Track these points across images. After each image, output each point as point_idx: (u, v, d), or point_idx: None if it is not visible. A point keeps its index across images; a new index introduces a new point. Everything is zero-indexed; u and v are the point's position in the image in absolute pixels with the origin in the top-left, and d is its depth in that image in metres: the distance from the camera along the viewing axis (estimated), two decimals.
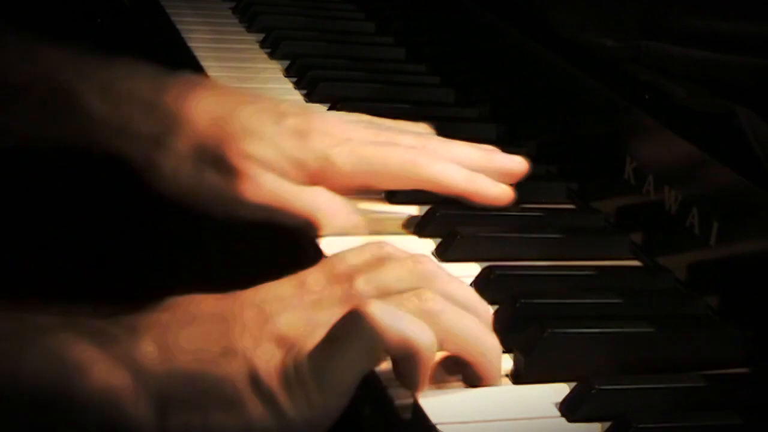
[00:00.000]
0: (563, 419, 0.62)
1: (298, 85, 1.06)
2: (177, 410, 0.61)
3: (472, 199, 0.82)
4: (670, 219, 0.78)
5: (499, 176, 0.84)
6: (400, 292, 0.64)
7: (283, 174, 0.80)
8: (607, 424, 0.61)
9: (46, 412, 0.60)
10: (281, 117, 0.83)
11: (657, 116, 0.81)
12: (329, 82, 1.04)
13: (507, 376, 0.66)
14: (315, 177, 0.81)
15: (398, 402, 0.63)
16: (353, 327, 0.61)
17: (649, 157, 0.81)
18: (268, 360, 0.61)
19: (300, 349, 0.61)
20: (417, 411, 0.62)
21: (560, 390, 0.64)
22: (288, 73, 1.09)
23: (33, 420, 0.61)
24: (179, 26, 1.18)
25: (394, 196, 0.86)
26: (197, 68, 1.07)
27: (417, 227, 0.82)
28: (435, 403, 0.62)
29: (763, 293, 0.70)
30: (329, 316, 0.62)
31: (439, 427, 0.60)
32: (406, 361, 0.62)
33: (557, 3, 0.96)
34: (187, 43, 1.13)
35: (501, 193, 0.83)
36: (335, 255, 0.69)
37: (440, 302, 0.64)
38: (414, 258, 0.67)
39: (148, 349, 0.61)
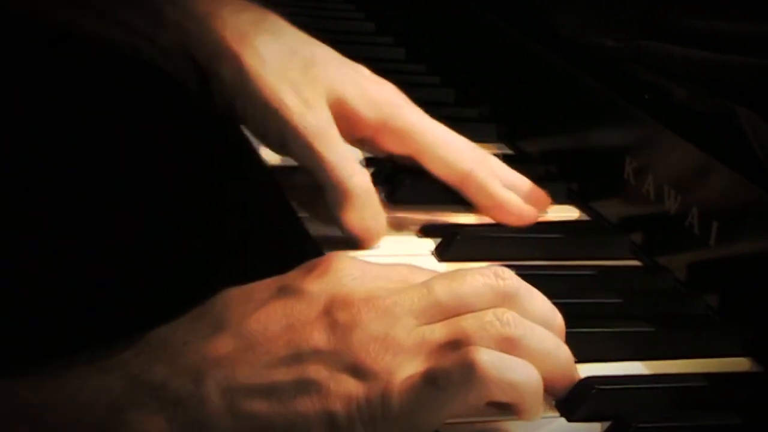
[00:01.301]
0: (563, 419, 0.62)
1: None
2: None
3: (501, 214, 0.82)
4: (670, 219, 0.78)
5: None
6: (478, 309, 0.61)
7: (356, 106, 0.80)
8: (607, 424, 0.61)
9: None
10: (356, 64, 0.84)
11: (657, 116, 0.81)
12: None
13: None
14: (380, 126, 0.81)
15: None
16: (464, 378, 0.57)
17: (649, 157, 0.81)
18: (348, 396, 0.57)
19: (387, 383, 0.58)
20: None
21: None
22: None
23: None
24: None
25: (394, 196, 0.85)
26: None
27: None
28: None
29: (763, 293, 0.70)
30: (407, 332, 0.59)
31: (438, 426, 0.60)
32: (517, 408, 0.59)
33: (557, 3, 0.96)
34: None
35: (530, 213, 0.83)
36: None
37: (521, 326, 0.60)
38: (496, 272, 0.63)
39: (214, 404, 0.57)
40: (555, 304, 0.71)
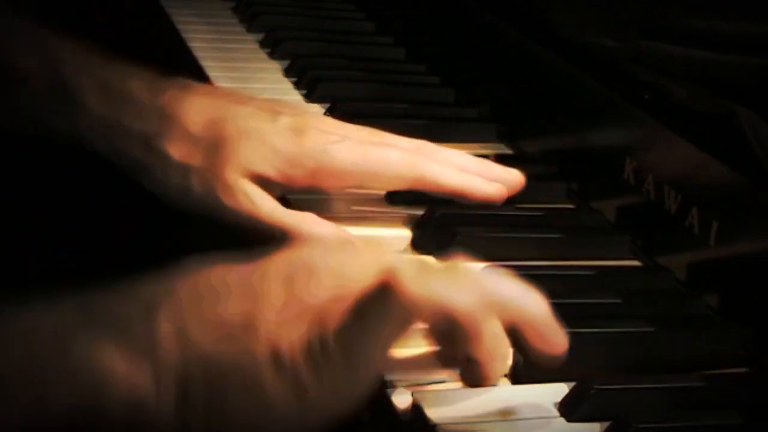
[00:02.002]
0: (563, 419, 0.62)
1: (298, 85, 1.06)
2: (196, 396, 0.58)
3: (467, 197, 0.82)
4: (670, 219, 0.78)
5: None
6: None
7: (278, 172, 0.80)
8: (607, 424, 0.61)
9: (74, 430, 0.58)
10: (276, 115, 0.82)
11: (657, 116, 0.81)
12: (329, 82, 1.04)
13: (506, 376, 0.66)
14: (312, 175, 0.80)
15: (397, 402, 0.63)
16: (383, 300, 0.58)
17: (649, 157, 0.81)
18: (290, 335, 0.58)
19: (325, 322, 0.59)
20: (416, 411, 0.62)
21: (560, 390, 0.64)
22: (288, 73, 1.09)
23: None
24: (179, 26, 1.18)
25: (393, 197, 0.85)
26: (197, 68, 1.07)
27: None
28: (435, 402, 0.62)
29: (763, 293, 0.70)
30: (356, 285, 0.60)
31: (438, 426, 0.60)
32: (452, 330, 0.59)
33: (557, 3, 0.96)
34: (187, 43, 1.13)
35: (496, 190, 0.83)
36: None
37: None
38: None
39: (164, 333, 0.58)
40: (555, 304, 0.71)
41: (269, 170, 0.80)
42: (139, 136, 0.82)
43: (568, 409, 0.63)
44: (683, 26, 0.85)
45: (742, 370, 0.70)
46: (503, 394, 0.64)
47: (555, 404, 0.63)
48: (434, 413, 0.61)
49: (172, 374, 0.58)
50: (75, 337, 0.58)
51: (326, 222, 0.80)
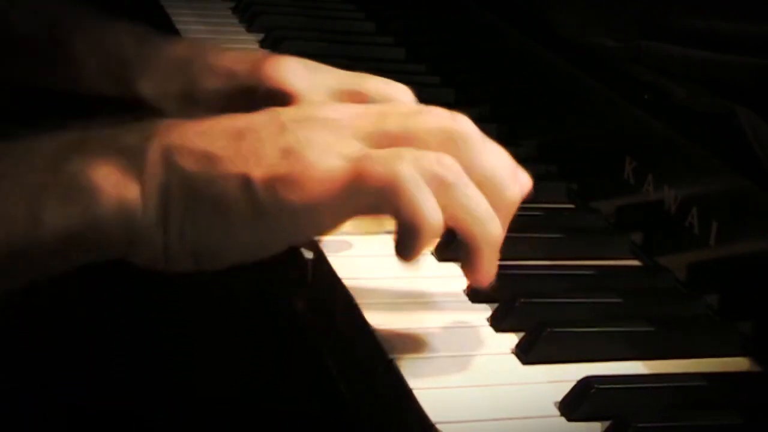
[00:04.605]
0: (563, 418, 0.62)
1: None
2: (174, 210, 0.63)
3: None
4: (670, 219, 0.78)
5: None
6: (425, 145, 0.63)
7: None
8: (607, 424, 0.61)
9: (69, 245, 0.62)
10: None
11: (657, 116, 0.81)
12: None
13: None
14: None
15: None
16: (376, 176, 0.61)
17: (648, 157, 0.81)
18: (270, 166, 0.62)
19: (311, 168, 0.62)
20: (416, 410, 0.62)
21: (560, 389, 0.64)
22: None
23: (58, 254, 0.63)
24: (179, 26, 1.18)
25: None
26: None
27: None
28: (434, 401, 0.62)
29: (763, 293, 0.70)
30: (348, 145, 0.63)
31: (438, 426, 0.60)
32: (406, 230, 0.62)
33: (557, 3, 0.96)
34: None
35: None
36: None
37: (457, 174, 0.62)
38: (453, 117, 0.66)
39: (153, 154, 0.63)
40: (555, 304, 0.71)
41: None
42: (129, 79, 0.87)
43: (568, 408, 0.63)
44: (683, 26, 0.85)
45: (742, 370, 0.70)
46: (503, 393, 0.64)
47: (555, 403, 0.63)
48: (433, 412, 0.61)
49: (156, 189, 0.63)
50: (70, 156, 0.63)
51: None
